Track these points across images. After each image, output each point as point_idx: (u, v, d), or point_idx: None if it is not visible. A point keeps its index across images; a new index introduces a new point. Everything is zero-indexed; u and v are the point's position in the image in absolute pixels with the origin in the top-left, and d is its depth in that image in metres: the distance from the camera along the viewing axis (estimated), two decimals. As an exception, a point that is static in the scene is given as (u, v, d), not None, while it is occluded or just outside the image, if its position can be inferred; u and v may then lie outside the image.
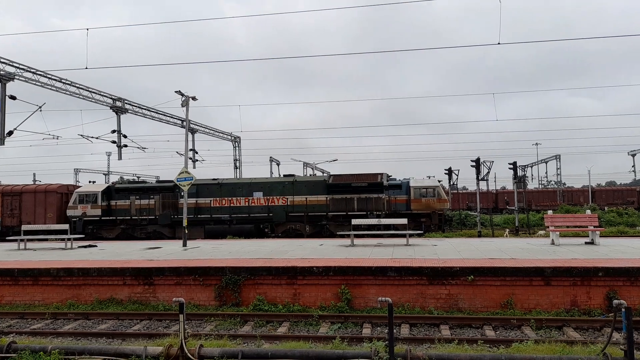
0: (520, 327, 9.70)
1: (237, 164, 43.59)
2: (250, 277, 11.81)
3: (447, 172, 32.66)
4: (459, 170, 32.35)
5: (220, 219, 28.00)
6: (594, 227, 16.02)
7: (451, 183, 33.06)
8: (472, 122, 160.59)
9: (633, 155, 50.87)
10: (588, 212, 17.93)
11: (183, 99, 21.26)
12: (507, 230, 27.54)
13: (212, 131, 40.37)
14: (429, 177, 29.49)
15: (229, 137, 43.11)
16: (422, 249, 15.61)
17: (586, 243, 16.18)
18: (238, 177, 41.91)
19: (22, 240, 19.75)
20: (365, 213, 26.68)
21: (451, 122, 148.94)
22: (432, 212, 27.38)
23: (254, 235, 27.17)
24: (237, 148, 43.78)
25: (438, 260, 12.34)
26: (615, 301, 6.91)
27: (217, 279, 11.95)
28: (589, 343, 8.24)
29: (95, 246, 19.97)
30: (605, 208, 43.58)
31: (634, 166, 50.82)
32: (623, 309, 6.76)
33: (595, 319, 9.86)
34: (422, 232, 24.22)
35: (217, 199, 28.32)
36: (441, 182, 30.17)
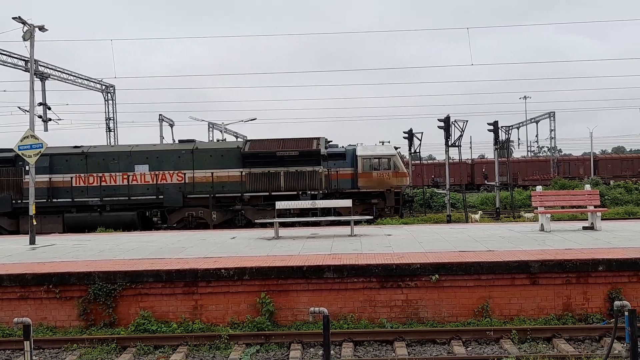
0: (499, 341, 10.21)
1: (111, 125, 42.82)
2: (130, 286, 11.61)
3: (406, 135, 33.29)
4: (422, 133, 32.91)
5: (87, 204, 27.42)
6: (595, 207, 17.02)
7: (412, 151, 33.72)
8: (438, 67, 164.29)
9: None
10: (587, 187, 18.95)
11: (25, 29, 20.33)
12: (480, 213, 28.54)
13: (72, 76, 39.23)
14: (383, 142, 29.92)
15: (98, 85, 42.04)
16: (373, 240, 15.96)
17: (584, 228, 17.20)
18: (112, 143, 41.15)
19: None
20: (295, 193, 26.85)
21: (409, 67, 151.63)
22: (386, 191, 27.99)
23: (136, 227, 26.84)
24: (110, 101, 42.98)
25: (393, 255, 12.65)
26: (617, 302, 7.39)
27: (81, 289, 11.67)
28: (585, 358, 8.81)
29: None
30: (611, 182, 46.49)
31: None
32: (626, 312, 7.23)
33: (593, 327, 10.53)
34: (372, 217, 24.73)
35: (82, 175, 27.63)
36: (399, 150, 30.74)
